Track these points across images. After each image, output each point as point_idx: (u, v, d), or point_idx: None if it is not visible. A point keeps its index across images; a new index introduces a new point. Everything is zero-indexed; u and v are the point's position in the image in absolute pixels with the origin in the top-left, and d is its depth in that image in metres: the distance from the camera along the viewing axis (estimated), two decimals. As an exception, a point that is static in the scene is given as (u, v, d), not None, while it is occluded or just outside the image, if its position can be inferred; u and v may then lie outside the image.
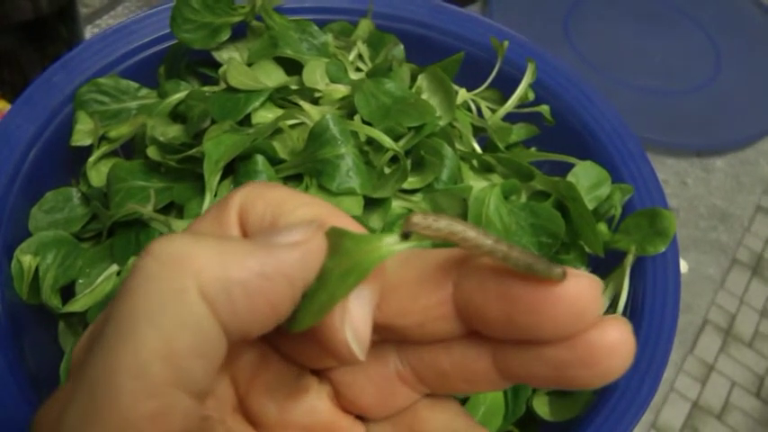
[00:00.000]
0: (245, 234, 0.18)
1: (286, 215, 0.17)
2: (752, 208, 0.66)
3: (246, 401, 0.19)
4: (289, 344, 0.19)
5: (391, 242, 0.17)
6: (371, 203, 0.32)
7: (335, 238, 0.17)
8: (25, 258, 0.34)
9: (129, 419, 0.14)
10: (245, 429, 0.19)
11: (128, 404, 0.14)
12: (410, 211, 0.33)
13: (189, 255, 0.15)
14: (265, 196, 0.18)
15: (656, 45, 0.77)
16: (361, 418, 0.20)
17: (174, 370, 0.15)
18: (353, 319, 0.16)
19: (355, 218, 0.30)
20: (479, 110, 0.43)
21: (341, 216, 0.18)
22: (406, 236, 0.17)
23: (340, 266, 0.16)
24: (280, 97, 0.35)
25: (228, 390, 0.19)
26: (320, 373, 0.20)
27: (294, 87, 0.35)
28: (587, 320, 0.15)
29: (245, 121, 0.34)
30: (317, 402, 0.19)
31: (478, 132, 0.41)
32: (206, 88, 0.38)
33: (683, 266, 0.61)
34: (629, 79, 0.72)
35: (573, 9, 0.79)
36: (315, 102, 0.36)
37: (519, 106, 0.43)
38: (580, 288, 0.15)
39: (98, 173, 0.38)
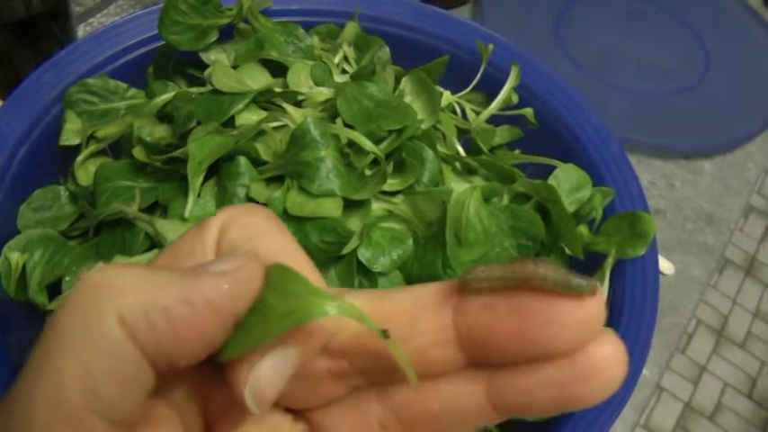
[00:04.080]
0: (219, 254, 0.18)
1: (250, 244, 0.17)
2: (739, 211, 0.67)
3: (215, 431, 0.19)
4: None
5: (337, 305, 0.16)
6: (352, 205, 0.32)
7: (289, 280, 0.16)
8: (13, 255, 0.35)
9: None
10: None
11: (40, 431, 0.15)
12: (390, 212, 0.34)
13: (111, 282, 0.16)
14: (242, 222, 0.18)
15: (646, 47, 0.77)
16: None
17: (90, 395, 0.15)
18: (260, 377, 0.16)
19: (334, 219, 0.31)
20: (464, 112, 0.44)
21: (301, 255, 0.18)
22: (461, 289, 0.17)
23: (283, 306, 0.16)
24: (264, 99, 0.36)
25: (195, 418, 0.19)
26: (297, 412, 0.19)
27: (278, 90, 0.36)
28: (596, 330, 0.16)
29: (230, 123, 0.35)
30: None
31: (463, 134, 0.41)
32: (193, 89, 0.39)
33: (670, 268, 0.61)
34: (619, 81, 0.73)
35: (563, 12, 0.79)
36: (298, 104, 0.37)
37: (503, 109, 0.44)
38: (597, 297, 0.16)
39: (86, 172, 0.38)
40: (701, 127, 0.70)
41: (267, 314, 0.16)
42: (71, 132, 0.39)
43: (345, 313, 0.16)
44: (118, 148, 0.40)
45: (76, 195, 0.38)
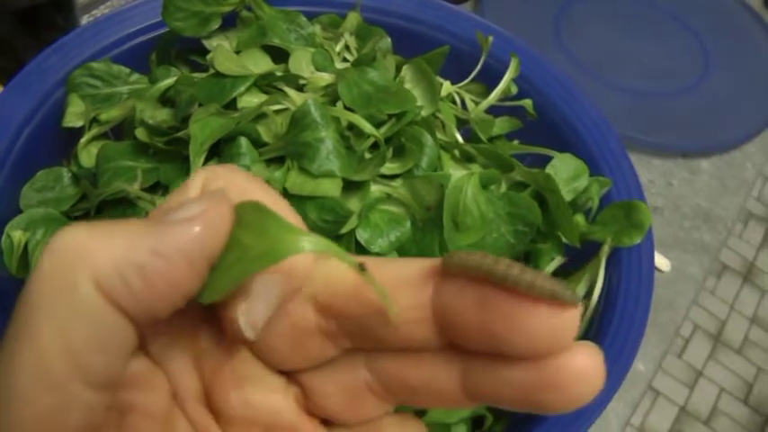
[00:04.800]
0: None
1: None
2: (735, 210, 0.67)
3: (212, 392, 0.19)
4: (258, 344, 0.19)
5: (312, 240, 0.16)
6: (351, 186, 0.33)
7: (262, 219, 0.16)
8: (15, 234, 0.35)
9: (23, 417, 0.15)
10: (206, 420, 0.19)
11: (23, 401, 0.15)
12: (389, 196, 0.34)
13: (80, 245, 0.15)
14: (222, 178, 0.18)
15: (645, 46, 0.78)
16: (326, 422, 0.20)
17: (74, 364, 0.15)
18: (252, 304, 0.17)
19: (333, 199, 0.32)
20: (464, 102, 0.44)
21: (281, 202, 0.18)
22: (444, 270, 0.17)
23: (258, 246, 0.16)
24: (265, 84, 0.36)
25: (192, 379, 0.19)
26: (290, 375, 0.20)
27: (280, 74, 0.36)
28: (562, 340, 0.15)
29: (231, 106, 0.35)
30: (282, 403, 0.19)
31: (462, 124, 0.42)
32: (195, 74, 0.39)
33: (666, 265, 0.62)
34: (618, 80, 0.74)
35: (563, 10, 0.80)
36: (300, 89, 0.37)
37: (502, 100, 0.44)
38: (571, 310, 0.15)
39: (88, 154, 0.39)
40: (699, 126, 0.71)
41: (242, 254, 0.16)
42: (74, 115, 0.39)
43: (321, 248, 0.16)
44: (120, 132, 0.40)
45: (79, 177, 0.39)
